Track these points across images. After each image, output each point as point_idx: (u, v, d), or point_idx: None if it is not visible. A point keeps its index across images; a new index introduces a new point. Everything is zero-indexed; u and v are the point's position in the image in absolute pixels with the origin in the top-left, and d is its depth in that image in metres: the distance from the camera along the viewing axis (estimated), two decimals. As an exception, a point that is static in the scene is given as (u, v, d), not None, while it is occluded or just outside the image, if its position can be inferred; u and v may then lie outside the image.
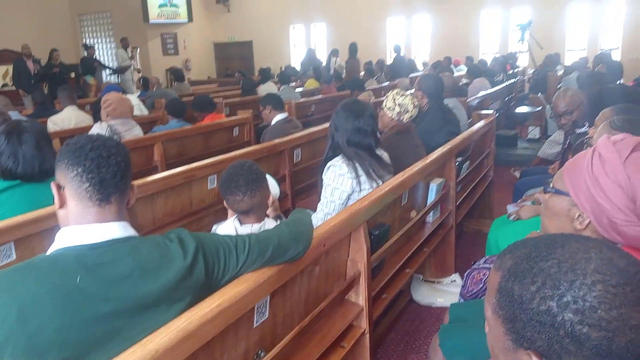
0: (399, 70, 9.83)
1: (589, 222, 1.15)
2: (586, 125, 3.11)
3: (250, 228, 1.80)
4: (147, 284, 1.14)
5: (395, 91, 3.03)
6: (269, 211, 1.89)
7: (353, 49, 10.67)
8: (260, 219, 1.83)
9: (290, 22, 15.45)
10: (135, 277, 1.14)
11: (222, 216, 2.97)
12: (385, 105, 2.98)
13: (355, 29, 13.84)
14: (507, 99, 7.68)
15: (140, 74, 11.53)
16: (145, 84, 8.29)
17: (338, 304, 1.91)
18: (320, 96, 7.18)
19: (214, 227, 1.99)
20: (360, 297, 1.98)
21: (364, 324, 1.98)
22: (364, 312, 1.97)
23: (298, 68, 12.03)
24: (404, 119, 2.96)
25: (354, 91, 6.33)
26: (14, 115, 4.56)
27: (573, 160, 1.22)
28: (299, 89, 8.15)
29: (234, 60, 16.17)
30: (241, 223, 1.82)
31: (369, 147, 2.41)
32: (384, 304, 2.23)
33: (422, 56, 13.55)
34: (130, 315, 1.12)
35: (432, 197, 2.86)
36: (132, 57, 11.49)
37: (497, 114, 4.57)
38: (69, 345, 1.04)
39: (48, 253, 1.16)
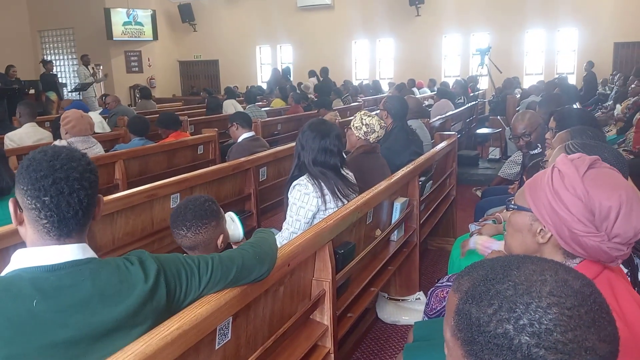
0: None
1: (551, 235, 1.19)
2: (538, 148, 3.22)
3: None
4: (107, 310, 1.10)
5: (362, 112, 3.08)
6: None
7: (325, 72, 11.26)
8: None
9: (257, 43, 15.53)
10: (95, 302, 1.09)
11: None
12: (353, 125, 3.02)
13: (321, 50, 14.03)
14: (468, 120, 7.88)
15: (101, 91, 11.34)
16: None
17: (303, 324, 1.89)
18: (286, 115, 7.20)
19: None
20: (325, 316, 1.96)
21: (328, 343, 1.96)
22: (329, 331, 1.95)
23: (264, 87, 12.08)
24: (371, 139, 3.00)
25: (321, 110, 6.37)
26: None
27: (533, 178, 1.26)
28: (265, 108, 8.16)
29: (200, 78, 16.12)
30: None
31: (334, 166, 2.42)
32: (349, 322, 2.22)
33: (387, 78, 13.80)
34: (90, 342, 1.07)
35: (396, 216, 2.89)
36: (94, 74, 11.27)
37: (459, 135, 4.68)
38: None
39: (2, 274, 1.10)
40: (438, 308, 2.16)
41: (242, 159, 3.52)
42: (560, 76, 10.90)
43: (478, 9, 12.53)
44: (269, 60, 15.49)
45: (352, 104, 8.82)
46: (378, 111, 3.80)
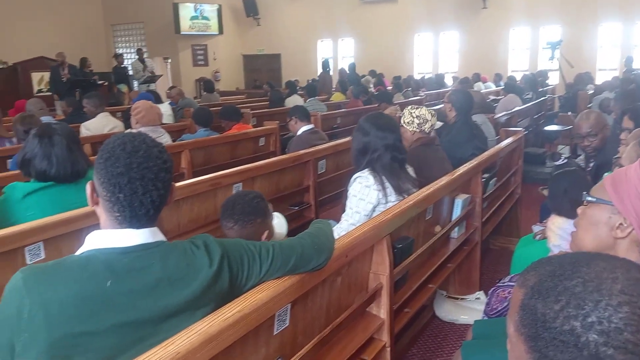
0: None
1: (631, 230, 1.14)
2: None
3: None
4: (174, 293, 1.14)
5: (409, 107, 3.04)
6: None
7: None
8: None
9: (318, 36, 15.59)
10: (163, 285, 1.13)
11: (246, 224, 3.00)
12: (404, 122, 2.98)
13: (383, 44, 13.90)
14: (536, 116, 7.57)
15: (169, 84, 11.73)
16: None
17: (359, 315, 1.89)
18: (346, 109, 7.19)
19: None
20: (382, 310, 1.95)
21: (385, 337, 1.95)
22: (385, 325, 1.95)
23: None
24: (426, 129, 2.95)
25: (382, 104, 6.32)
26: (47, 119, 4.68)
27: (616, 171, 1.23)
28: (325, 102, 8.19)
29: (262, 72, 16.37)
30: None
31: (402, 161, 2.41)
32: (406, 318, 2.20)
33: (450, 72, 13.49)
34: (156, 323, 1.12)
35: (457, 213, 2.83)
36: (145, 68, 11.54)
37: (525, 132, 4.51)
38: (93, 350, 1.05)
39: (77, 253, 1.16)
40: (499, 308, 2.10)
41: (302, 152, 3.56)
42: (636, 72, 10.23)
43: (549, 0, 11.98)
44: (330, 54, 15.52)
45: (413, 98, 8.69)
46: (442, 105, 3.73)
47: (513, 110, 5.96)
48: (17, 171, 2.23)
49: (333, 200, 3.86)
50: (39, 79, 10.36)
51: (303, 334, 1.56)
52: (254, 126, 5.46)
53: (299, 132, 4.12)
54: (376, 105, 6.66)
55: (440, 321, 2.88)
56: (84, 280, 1.07)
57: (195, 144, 4.04)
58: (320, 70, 12.42)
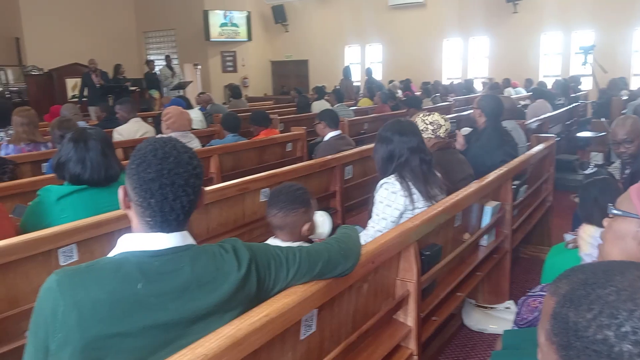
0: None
1: None
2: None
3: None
4: (203, 296, 1.16)
5: (420, 114, 3.01)
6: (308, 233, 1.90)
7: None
8: (293, 239, 1.86)
9: (346, 42, 15.61)
10: (193, 288, 1.15)
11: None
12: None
13: (411, 49, 13.84)
14: (568, 122, 7.41)
15: (199, 90, 11.90)
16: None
17: (386, 323, 1.88)
18: (373, 115, 7.18)
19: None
20: (409, 317, 1.93)
21: (412, 345, 1.93)
22: (412, 333, 1.93)
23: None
24: (441, 134, 2.92)
25: (410, 109, 6.29)
26: (82, 124, 4.81)
27: None
28: (353, 108, 8.19)
29: (290, 78, 16.47)
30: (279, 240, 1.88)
31: (426, 162, 2.40)
32: (434, 326, 2.17)
33: (479, 77, 13.33)
34: (186, 325, 1.13)
35: (486, 220, 2.78)
36: (174, 74, 11.72)
37: (557, 138, 4.42)
38: (125, 351, 1.06)
39: (110, 256, 1.18)
40: (529, 318, 2.06)
41: (329, 157, 3.56)
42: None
43: (581, 5, 11.71)
44: (357, 59, 15.52)
45: (442, 104, 8.62)
46: (471, 110, 3.69)
47: (544, 117, 5.85)
48: (52, 175, 2.29)
49: (360, 206, 3.85)
50: (73, 85, 10.65)
51: (329, 340, 1.56)
52: (282, 132, 5.50)
53: (327, 138, 4.12)
54: (404, 110, 6.62)
55: (468, 330, 2.83)
56: (116, 282, 1.09)
57: (224, 149, 4.09)
58: (353, 76, 12.52)
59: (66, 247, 1.89)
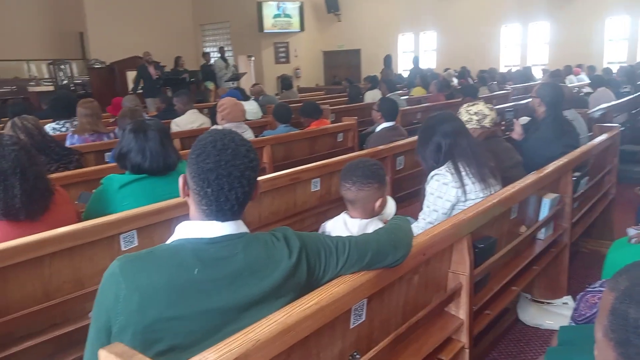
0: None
1: None
2: None
3: (358, 222, 1.84)
4: (255, 283, 1.19)
5: (464, 106, 2.93)
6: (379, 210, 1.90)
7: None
8: (364, 216, 1.86)
9: (399, 30, 15.39)
10: (245, 275, 1.18)
11: (323, 219, 3.02)
12: (464, 122, 2.88)
13: (467, 36, 13.47)
14: (634, 111, 7.01)
15: (252, 81, 12.08)
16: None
17: (437, 315, 1.86)
18: (427, 104, 7.06)
19: (323, 224, 2.04)
20: (460, 310, 1.91)
21: (464, 338, 1.90)
22: (464, 326, 1.90)
23: (405, 76, 12.01)
24: (487, 124, 2.84)
25: (466, 98, 6.14)
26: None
27: None
28: (405, 97, 8.08)
29: (342, 68, 16.43)
30: (350, 217, 1.89)
31: (474, 145, 2.36)
32: (486, 320, 2.14)
33: (538, 64, 12.82)
34: (239, 310, 1.17)
35: (544, 213, 2.69)
36: (228, 66, 11.91)
37: (622, 128, 4.20)
38: (181, 334, 1.11)
39: (168, 242, 1.24)
40: (588, 314, 1.98)
41: (380, 147, 3.54)
42: None
43: (653, -15, 11.04)
44: (410, 48, 15.28)
45: (499, 92, 8.36)
46: (530, 99, 3.56)
47: (608, 105, 5.56)
48: (114, 164, 2.40)
49: (411, 197, 3.81)
50: (133, 78, 11.04)
51: (379, 330, 1.57)
52: (333, 122, 5.50)
53: (378, 129, 4.09)
54: (459, 99, 6.47)
55: (523, 325, 2.76)
56: (174, 267, 1.14)
57: (276, 139, 4.15)
58: (405, 65, 12.36)
59: (127, 232, 1.98)
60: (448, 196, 2.26)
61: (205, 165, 1.19)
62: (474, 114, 2.85)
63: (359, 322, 1.47)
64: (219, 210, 1.20)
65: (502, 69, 12.34)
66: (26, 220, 1.85)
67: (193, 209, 1.25)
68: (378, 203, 1.86)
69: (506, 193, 2.23)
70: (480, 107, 2.88)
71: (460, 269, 1.91)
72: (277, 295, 1.23)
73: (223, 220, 1.22)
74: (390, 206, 2.00)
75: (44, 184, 1.93)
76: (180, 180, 1.27)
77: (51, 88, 11.28)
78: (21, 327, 1.74)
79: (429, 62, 14.72)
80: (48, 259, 1.77)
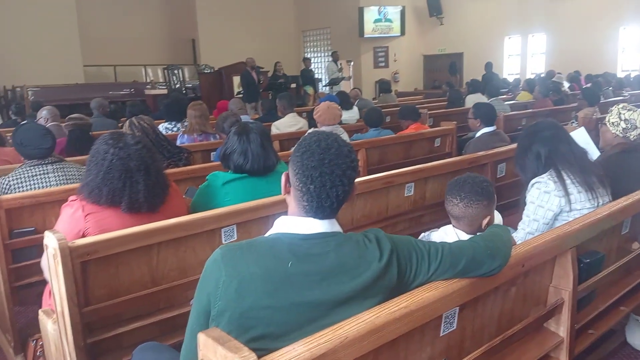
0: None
1: None
2: None
3: (465, 236, 1.80)
4: (345, 281, 1.22)
5: (620, 105, 2.68)
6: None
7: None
8: (469, 232, 1.82)
9: (506, 33, 14.73)
10: (336, 272, 1.22)
11: (416, 224, 3.00)
12: (609, 121, 2.66)
13: (580, 38, 12.56)
14: None
15: (350, 86, 12.22)
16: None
17: (535, 330, 1.77)
18: (533, 110, 6.70)
19: (427, 234, 2.01)
20: (561, 327, 1.80)
21: (563, 357, 1.79)
22: (564, 344, 1.79)
23: (510, 80, 11.51)
24: (631, 136, 2.60)
25: (581, 101, 5.71)
26: (245, 118, 5.24)
27: None
28: (509, 102, 7.73)
29: (442, 72, 16.03)
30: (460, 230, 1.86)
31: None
32: (589, 340, 1.99)
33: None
34: (329, 307, 1.20)
35: (662, 229, 2.45)
36: (341, 70, 12.14)
37: None
38: (274, 324, 1.16)
39: (266, 235, 1.31)
40: None
41: (480, 153, 3.43)
42: None
43: None
44: (517, 51, 14.57)
45: (615, 98, 7.73)
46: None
47: None
48: (218, 162, 2.55)
49: (512, 207, 3.63)
50: (239, 83, 11.61)
51: (471, 340, 1.52)
52: (431, 126, 5.41)
53: (479, 134, 3.96)
54: (573, 105, 6.03)
55: (632, 350, 2.53)
56: (270, 259, 1.20)
57: (371, 143, 4.16)
58: (510, 69, 11.84)
59: (228, 227, 2.10)
60: (550, 205, 2.14)
61: (309, 162, 1.24)
62: (624, 120, 2.61)
63: (450, 330, 1.44)
64: (318, 207, 1.25)
65: (620, 74, 11.37)
66: (147, 212, 2.03)
67: (293, 205, 1.30)
68: (486, 221, 1.82)
69: (618, 205, 2.07)
70: (635, 115, 2.61)
71: (562, 284, 1.80)
72: (366, 295, 1.24)
73: (320, 218, 1.26)
74: (498, 220, 1.94)
75: (163, 178, 2.11)
76: (283, 177, 1.33)
77: (165, 91, 12.13)
78: (130, 309, 1.91)
79: (537, 65, 13.96)
80: (156, 248, 1.93)
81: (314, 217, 1.26)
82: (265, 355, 1.04)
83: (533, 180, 2.24)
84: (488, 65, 11.73)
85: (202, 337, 1.08)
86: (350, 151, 1.29)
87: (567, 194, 2.12)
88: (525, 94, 8.47)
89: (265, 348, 1.10)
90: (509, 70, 14.48)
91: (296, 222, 1.27)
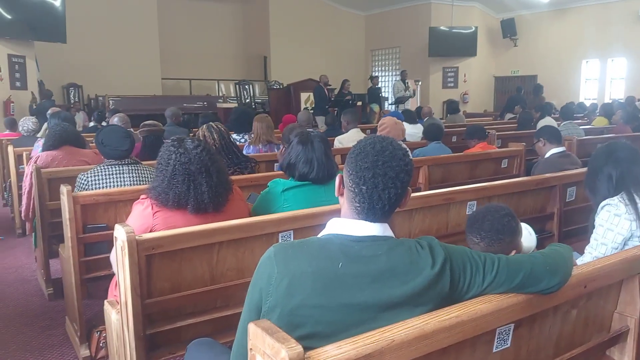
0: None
1: None
2: None
3: None
4: (395, 286, 1.21)
5: None
6: None
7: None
8: None
9: (583, 56, 14.15)
10: (387, 276, 1.22)
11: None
12: None
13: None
14: None
15: (417, 104, 12.16)
16: (417, 114, 8.70)
17: (596, 357, 1.68)
18: (609, 135, 6.37)
19: None
20: (625, 357, 1.69)
21: (626, 388, 1.69)
22: (629, 375, 1.69)
23: (587, 104, 11.01)
24: None
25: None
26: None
27: None
28: (585, 127, 7.39)
29: (514, 94, 15.57)
30: None
31: None
32: (657, 373, 1.86)
33: None
34: (377, 310, 1.20)
35: None
36: (408, 89, 12.12)
37: None
38: (322, 323, 1.18)
39: (319, 236, 1.33)
40: None
41: (548, 175, 3.31)
42: None
43: None
44: (595, 75, 13.95)
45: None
46: None
47: None
48: (280, 172, 2.61)
49: (581, 233, 3.47)
50: (306, 98, 11.83)
51: (525, 360, 1.47)
52: (499, 147, 5.27)
53: (547, 155, 3.82)
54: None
55: None
56: (321, 259, 1.22)
57: (434, 160, 4.11)
58: (587, 93, 11.26)
59: (285, 232, 2.15)
60: (620, 229, 2.04)
61: (363, 163, 1.26)
62: None
63: (503, 347, 1.39)
64: (370, 209, 1.26)
65: None
66: (213, 212, 2.12)
67: (346, 207, 1.32)
68: (512, 254, 1.68)
69: (697, 234, 1.94)
70: None
71: (628, 311, 1.70)
72: (416, 302, 1.23)
73: (372, 221, 1.27)
74: (530, 239, 1.81)
75: (225, 177, 2.19)
76: (337, 179, 1.36)
77: (235, 105, 12.56)
78: (188, 304, 1.99)
79: (616, 90, 13.30)
80: (217, 247, 2.01)
81: (366, 220, 1.27)
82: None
83: (603, 202, 2.14)
84: (537, 88, 11.31)
85: (252, 327, 1.11)
86: (404, 155, 1.29)
87: (638, 217, 2.02)
88: (602, 119, 8.08)
89: (312, 347, 1.12)
90: (586, 95, 13.89)
91: (348, 224, 1.29)
